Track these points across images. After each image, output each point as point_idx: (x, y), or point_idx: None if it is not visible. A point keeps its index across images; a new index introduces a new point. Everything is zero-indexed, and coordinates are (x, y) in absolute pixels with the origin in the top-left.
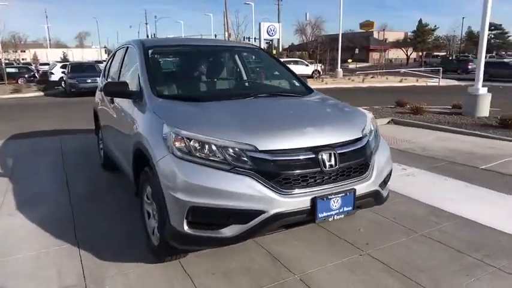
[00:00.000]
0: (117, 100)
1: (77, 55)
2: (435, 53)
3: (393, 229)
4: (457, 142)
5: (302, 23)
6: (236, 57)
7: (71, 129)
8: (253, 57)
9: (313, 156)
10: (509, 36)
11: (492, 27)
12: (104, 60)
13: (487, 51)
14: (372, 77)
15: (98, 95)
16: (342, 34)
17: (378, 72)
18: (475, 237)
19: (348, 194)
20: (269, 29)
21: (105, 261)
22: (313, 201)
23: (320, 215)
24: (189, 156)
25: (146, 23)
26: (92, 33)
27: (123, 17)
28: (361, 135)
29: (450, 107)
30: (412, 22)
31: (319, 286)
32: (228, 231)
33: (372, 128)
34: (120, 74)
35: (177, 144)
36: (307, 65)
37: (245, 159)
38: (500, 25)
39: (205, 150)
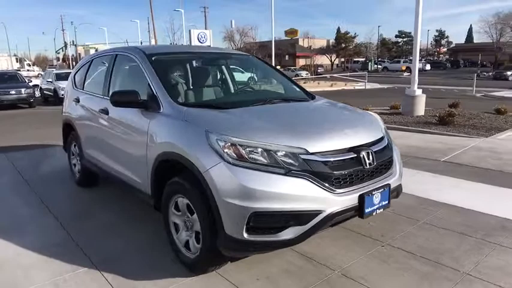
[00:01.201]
0: (114, 110)
1: None
2: (355, 59)
3: (398, 220)
4: (411, 139)
5: (230, 30)
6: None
7: (11, 146)
8: (250, 64)
9: (355, 155)
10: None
11: (403, 35)
12: (19, 69)
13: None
14: (304, 83)
15: (72, 105)
16: (270, 41)
17: (310, 77)
18: (468, 220)
19: (385, 188)
20: (199, 36)
21: (136, 280)
22: (361, 197)
23: (367, 211)
24: (242, 163)
25: (63, 29)
26: None
27: (35, 22)
28: (382, 135)
29: (389, 108)
30: (331, 30)
31: (363, 278)
32: (287, 234)
33: (384, 128)
34: (109, 84)
35: (228, 151)
36: (242, 72)
37: (298, 162)
38: (410, 33)
39: (257, 156)
